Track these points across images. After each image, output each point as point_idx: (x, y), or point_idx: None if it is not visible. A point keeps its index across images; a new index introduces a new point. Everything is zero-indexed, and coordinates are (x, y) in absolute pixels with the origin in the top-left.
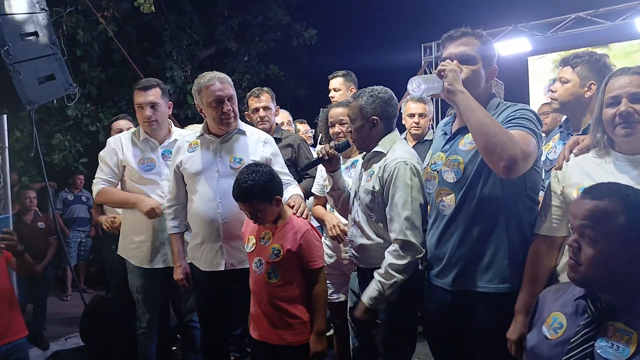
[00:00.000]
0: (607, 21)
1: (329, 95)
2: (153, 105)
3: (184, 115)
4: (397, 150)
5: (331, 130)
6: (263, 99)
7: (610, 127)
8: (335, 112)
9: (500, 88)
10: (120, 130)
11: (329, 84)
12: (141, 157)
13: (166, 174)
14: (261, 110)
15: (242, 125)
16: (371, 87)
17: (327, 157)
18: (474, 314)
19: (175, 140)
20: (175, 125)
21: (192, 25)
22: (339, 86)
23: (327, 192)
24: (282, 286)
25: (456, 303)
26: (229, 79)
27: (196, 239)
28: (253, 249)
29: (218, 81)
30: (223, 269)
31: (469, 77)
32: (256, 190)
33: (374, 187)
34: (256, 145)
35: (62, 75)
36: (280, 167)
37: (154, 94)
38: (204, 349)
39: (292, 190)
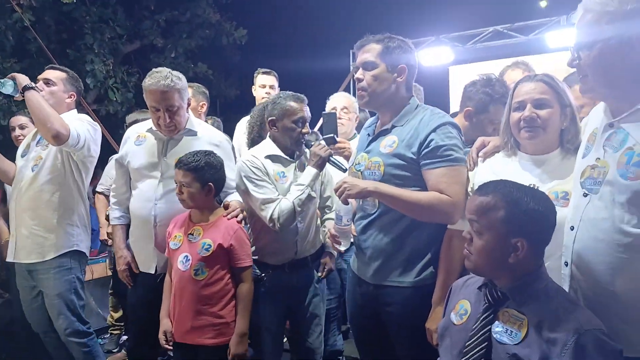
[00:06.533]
0: (521, 35)
1: (265, 92)
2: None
3: (105, 112)
4: None
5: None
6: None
7: (516, 130)
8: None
9: (420, 93)
10: (21, 126)
11: (256, 80)
12: None
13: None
14: None
15: (194, 125)
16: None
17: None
18: (394, 306)
19: None
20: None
21: (115, 19)
22: (273, 83)
23: None
24: (208, 284)
25: (376, 295)
26: (178, 84)
27: (132, 236)
28: (180, 245)
29: (160, 89)
30: (153, 272)
31: (372, 83)
32: (193, 165)
33: None
34: (206, 147)
35: None
36: (229, 171)
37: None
38: (130, 350)
39: (232, 196)
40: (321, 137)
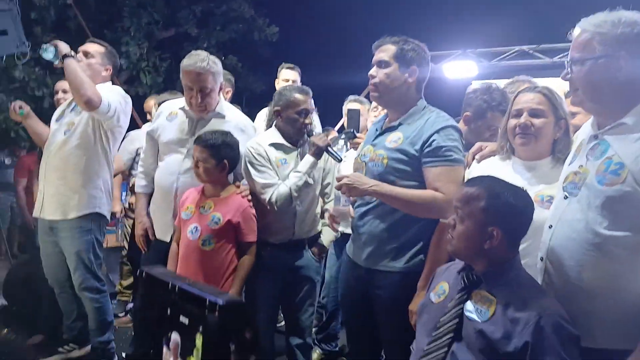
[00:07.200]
0: (546, 57)
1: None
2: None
3: (134, 93)
4: None
5: None
6: None
7: (512, 136)
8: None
9: None
10: (64, 90)
11: (280, 74)
12: None
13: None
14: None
15: (224, 108)
16: None
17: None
18: (383, 289)
19: None
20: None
21: (154, 5)
22: (296, 78)
23: None
24: (214, 255)
25: (368, 278)
26: (214, 68)
27: (153, 204)
28: (191, 215)
29: (196, 70)
30: (168, 240)
31: (384, 80)
32: (211, 142)
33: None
34: (232, 132)
35: (15, 32)
36: None
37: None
38: (135, 313)
39: None
40: (329, 132)
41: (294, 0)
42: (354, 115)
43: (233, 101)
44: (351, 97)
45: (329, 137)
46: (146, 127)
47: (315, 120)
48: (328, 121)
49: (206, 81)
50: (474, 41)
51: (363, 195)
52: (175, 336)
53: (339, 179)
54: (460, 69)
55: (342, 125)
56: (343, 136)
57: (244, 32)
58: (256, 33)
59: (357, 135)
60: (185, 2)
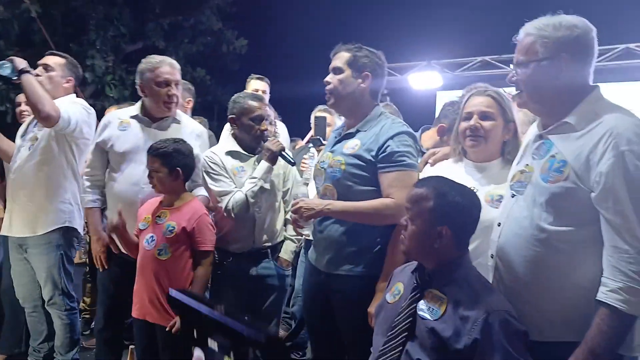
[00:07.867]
0: (508, 67)
1: None
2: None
3: (100, 106)
4: None
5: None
6: None
7: (463, 138)
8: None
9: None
10: (27, 102)
11: (248, 85)
12: None
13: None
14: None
15: (179, 114)
16: None
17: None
18: (343, 293)
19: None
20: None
21: (120, 18)
22: (265, 88)
23: None
24: (170, 264)
25: (328, 283)
26: (179, 67)
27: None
28: (147, 225)
29: (169, 65)
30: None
31: (337, 86)
32: (162, 151)
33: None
34: (188, 137)
35: None
36: None
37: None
38: (99, 331)
39: (200, 191)
40: (296, 142)
41: (263, 13)
42: (321, 122)
43: (204, 114)
44: (320, 106)
45: (296, 147)
46: None
47: (282, 130)
48: (297, 132)
49: (178, 75)
50: (438, 52)
51: (318, 217)
52: (198, 353)
53: (293, 205)
54: (425, 79)
55: (311, 136)
56: (311, 145)
57: (213, 44)
58: (225, 46)
59: (324, 142)
60: (152, 15)
